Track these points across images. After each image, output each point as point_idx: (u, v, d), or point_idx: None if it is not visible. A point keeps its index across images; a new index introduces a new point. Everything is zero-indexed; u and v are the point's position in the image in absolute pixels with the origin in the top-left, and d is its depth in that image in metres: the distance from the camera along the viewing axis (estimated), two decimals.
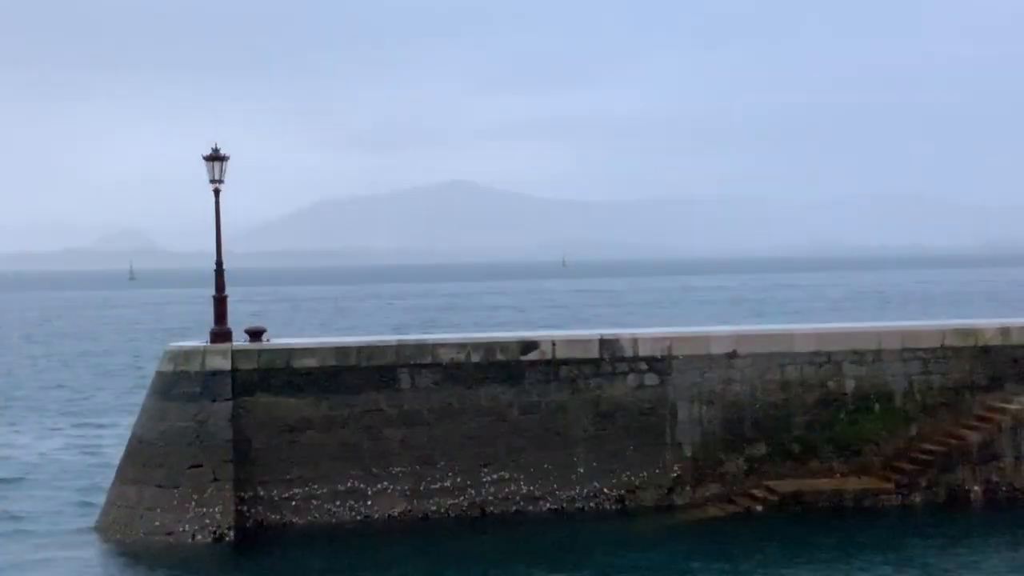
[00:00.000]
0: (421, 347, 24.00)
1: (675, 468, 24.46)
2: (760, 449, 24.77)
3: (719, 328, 28.03)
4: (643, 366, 24.56)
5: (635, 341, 24.67)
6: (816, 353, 25.12)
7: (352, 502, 23.22)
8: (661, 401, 24.54)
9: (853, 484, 24.43)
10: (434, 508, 23.47)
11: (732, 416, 24.76)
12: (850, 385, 25.18)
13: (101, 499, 24.25)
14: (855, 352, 25.25)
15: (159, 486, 22.25)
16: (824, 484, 24.43)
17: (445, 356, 23.91)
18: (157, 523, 21.98)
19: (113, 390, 48.62)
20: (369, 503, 23.27)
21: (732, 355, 24.81)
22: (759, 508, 23.88)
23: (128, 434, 25.89)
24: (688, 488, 24.42)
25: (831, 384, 25.15)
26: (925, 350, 25.40)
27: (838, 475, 24.81)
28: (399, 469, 23.47)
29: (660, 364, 24.59)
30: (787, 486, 24.25)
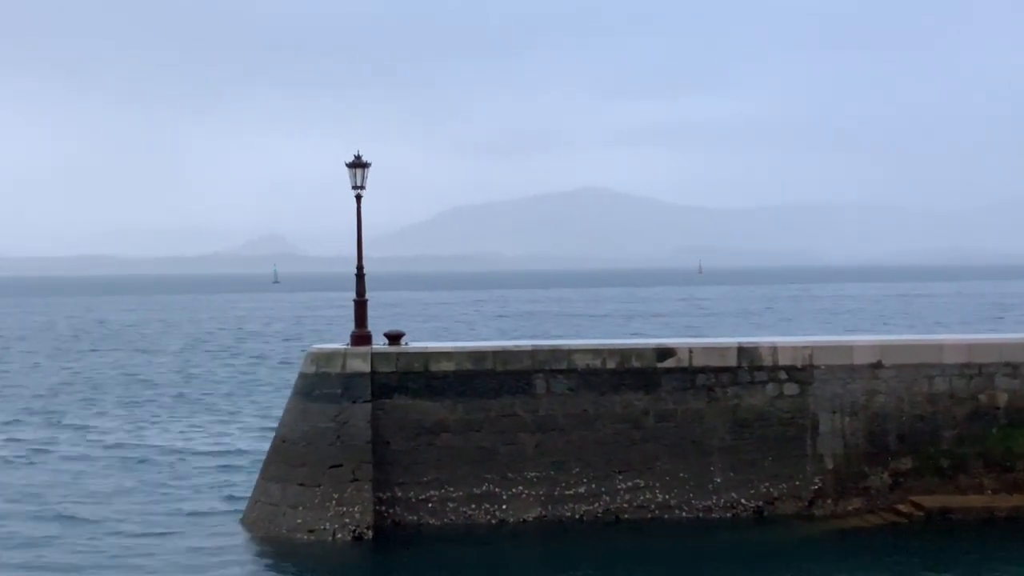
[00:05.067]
0: (556, 352, 24.00)
1: (816, 480, 23.86)
2: (906, 463, 23.96)
3: (862, 337, 27.23)
4: (783, 375, 24.04)
5: (774, 350, 24.16)
6: (966, 365, 24.16)
7: (487, 505, 23.37)
8: (801, 411, 23.97)
9: (1005, 501, 23.44)
10: (568, 514, 23.44)
11: (876, 428, 24.01)
12: (1003, 399, 24.14)
13: (247, 495, 25.01)
14: (1009, 364, 24.18)
15: (301, 484, 22.81)
16: (974, 501, 23.49)
17: (580, 362, 23.86)
18: (299, 520, 22.53)
19: (261, 388, 50.11)
20: (504, 507, 23.39)
21: (877, 365, 24.06)
22: (904, 523, 23.09)
23: (270, 432, 26.70)
24: (829, 501, 23.79)
25: (982, 397, 24.15)
26: None
27: (989, 492, 23.82)
28: (534, 474, 23.52)
29: (801, 373, 24.02)
30: (934, 502, 23.40)
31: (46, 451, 33.55)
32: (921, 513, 23.19)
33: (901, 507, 23.50)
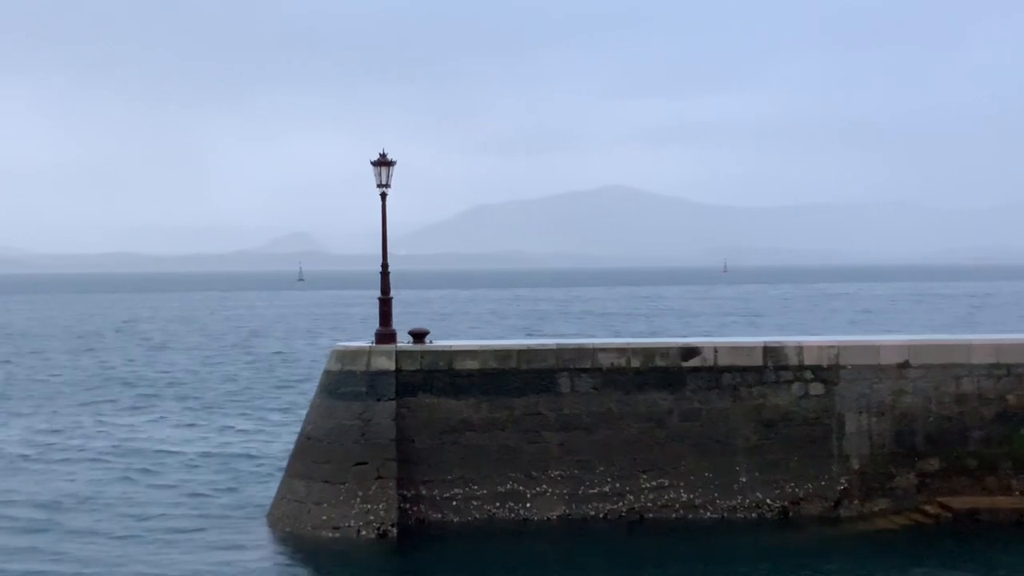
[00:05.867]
0: (581, 351, 23.96)
1: (842, 481, 23.72)
2: (933, 464, 23.78)
3: (889, 337, 27.02)
4: (808, 375, 23.91)
5: (800, 349, 24.03)
6: (995, 365, 23.94)
7: (511, 504, 23.37)
8: (827, 411, 23.84)
9: None
10: (592, 513, 23.41)
11: (903, 429, 23.85)
12: None
13: (272, 492, 25.11)
14: None
15: (326, 482, 22.88)
16: (1002, 502, 23.29)
17: (605, 361, 23.82)
18: (324, 518, 22.61)
19: (287, 385, 50.28)
20: (528, 505, 23.38)
21: (904, 365, 23.89)
22: (931, 524, 22.93)
23: (295, 429, 26.79)
24: (856, 502, 23.65)
25: (1011, 398, 23.92)
26: None
27: (1017, 493, 23.60)
28: (558, 473, 23.50)
29: (826, 373, 23.89)
30: (962, 503, 23.22)
31: (69, 452, 33.52)
32: (948, 514, 23.03)
33: (928, 508, 23.34)
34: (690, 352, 23.95)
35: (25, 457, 32.54)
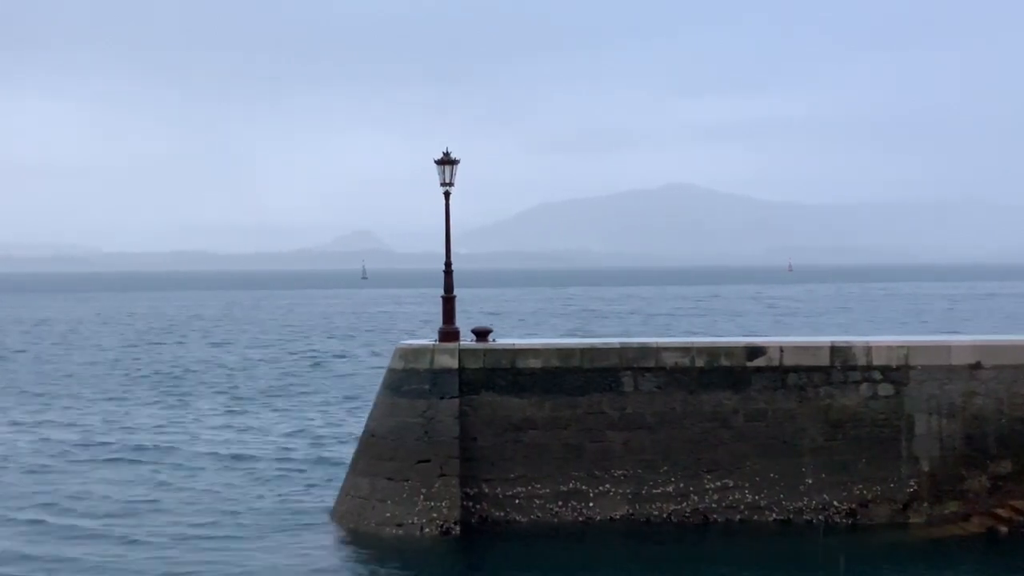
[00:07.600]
0: (644, 350, 23.82)
1: (911, 483, 23.30)
2: (1005, 467, 23.26)
3: (961, 337, 26.49)
4: (877, 375, 23.53)
5: (869, 349, 23.65)
6: None
7: (574, 503, 23.32)
8: (896, 413, 23.43)
9: None
10: (656, 513, 23.27)
11: (975, 431, 23.36)
12: None
13: (336, 488, 25.33)
14: None
15: (390, 479, 23.02)
16: None
17: (669, 360, 23.66)
18: (388, 514, 22.75)
19: (351, 383, 50.71)
20: (591, 505, 23.31)
21: (976, 366, 23.40)
22: (1003, 529, 22.45)
23: (359, 426, 26.98)
24: (925, 505, 23.22)
25: None
26: None
27: None
28: (621, 472, 23.40)
29: (895, 374, 23.49)
30: None
31: (126, 450, 33.75)
32: (1021, 518, 22.52)
33: (1000, 512, 22.85)
34: (755, 352, 23.70)
35: (73, 455, 32.85)
